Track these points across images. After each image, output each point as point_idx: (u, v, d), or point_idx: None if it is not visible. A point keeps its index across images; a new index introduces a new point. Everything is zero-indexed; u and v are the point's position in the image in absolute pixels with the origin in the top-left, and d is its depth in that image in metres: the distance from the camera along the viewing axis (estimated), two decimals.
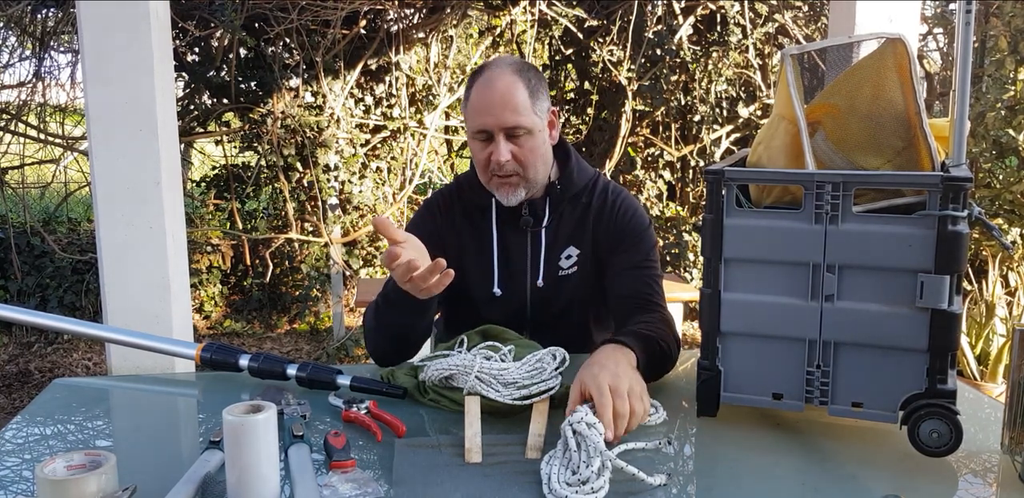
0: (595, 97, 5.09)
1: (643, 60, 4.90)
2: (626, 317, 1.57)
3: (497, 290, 1.64)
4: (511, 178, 1.56)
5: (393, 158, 5.03)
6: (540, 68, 5.00)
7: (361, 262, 4.98)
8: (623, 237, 1.63)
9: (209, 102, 4.85)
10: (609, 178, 1.75)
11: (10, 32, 5.04)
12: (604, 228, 1.64)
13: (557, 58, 5.25)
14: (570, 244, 1.65)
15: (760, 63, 4.91)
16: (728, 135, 5.09)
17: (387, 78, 4.91)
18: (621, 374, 1.23)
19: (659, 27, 4.84)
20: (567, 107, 5.43)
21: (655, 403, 1.32)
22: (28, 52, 5.11)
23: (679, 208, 5.17)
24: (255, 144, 4.77)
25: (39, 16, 4.91)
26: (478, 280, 1.65)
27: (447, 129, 5.24)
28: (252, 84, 4.77)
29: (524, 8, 4.82)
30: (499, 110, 1.51)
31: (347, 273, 4.98)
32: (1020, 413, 1.13)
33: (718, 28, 4.94)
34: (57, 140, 5.08)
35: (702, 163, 5.14)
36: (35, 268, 4.81)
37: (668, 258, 5.00)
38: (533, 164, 1.57)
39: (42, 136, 5.07)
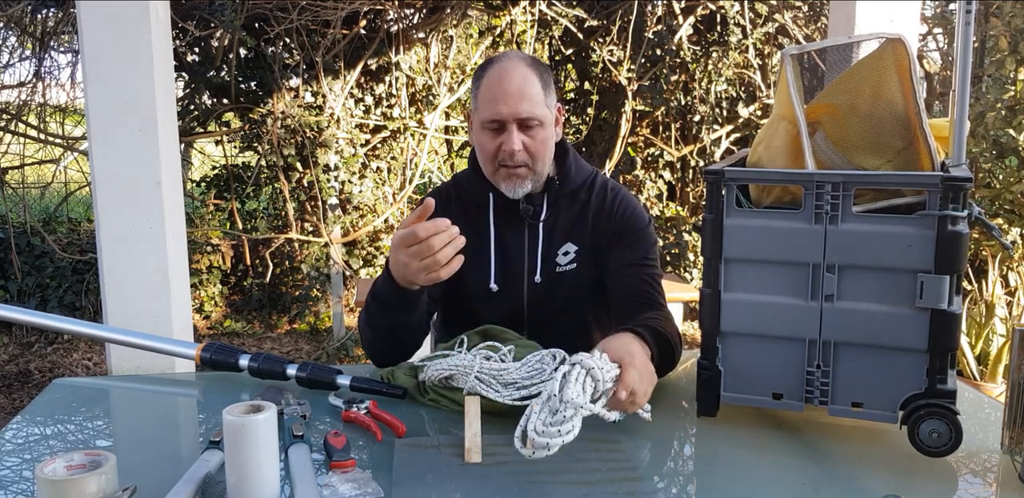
0: (595, 97, 5.09)
1: (643, 60, 4.90)
2: (630, 315, 1.56)
3: (494, 286, 1.63)
4: (519, 169, 1.56)
5: (393, 158, 5.03)
6: None
7: (361, 262, 4.98)
8: (622, 234, 1.63)
9: (209, 102, 4.85)
10: (608, 176, 1.75)
11: (10, 32, 5.05)
12: (603, 225, 1.64)
13: (557, 58, 5.25)
14: (568, 240, 1.64)
15: (760, 63, 4.91)
16: (728, 135, 5.09)
17: (387, 78, 4.91)
18: (647, 360, 1.24)
19: (659, 27, 4.84)
20: (567, 107, 5.43)
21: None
22: (28, 52, 5.11)
23: (679, 208, 5.18)
24: (255, 144, 4.77)
25: (39, 16, 4.91)
26: (474, 276, 1.64)
27: (447, 129, 5.24)
28: (252, 84, 4.77)
29: (524, 8, 4.82)
30: (514, 100, 1.52)
31: (347, 273, 4.99)
32: (1020, 413, 1.14)
33: (718, 28, 4.94)
34: (57, 140, 5.08)
35: (702, 163, 5.14)
36: (35, 268, 4.81)
37: (668, 258, 5.00)
38: (543, 156, 1.57)
39: (42, 136, 5.07)
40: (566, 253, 1.64)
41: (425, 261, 1.30)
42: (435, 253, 1.29)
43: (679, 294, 3.41)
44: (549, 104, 1.57)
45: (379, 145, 4.99)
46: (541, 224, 1.64)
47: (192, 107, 4.75)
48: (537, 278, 1.63)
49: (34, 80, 4.94)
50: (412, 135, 4.96)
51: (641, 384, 1.16)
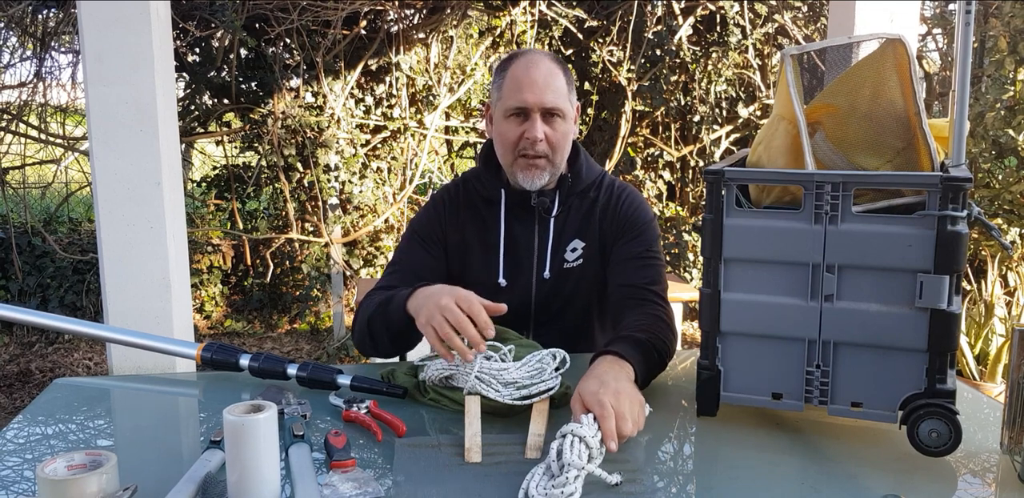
0: (595, 97, 5.09)
1: (643, 60, 4.90)
2: (622, 310, 1.57)
3: (502, 280, 1.64)
4: (539, 160, 1.57)
5: (393, 158, 5.04)
6: None
7: (361, 262, 4.99)
8: (626, 228, 1.65)
9: (210, 102, 4.85)
10: (615, 177, 1.76)
11: (11, 32, 5.05)
12: (608, 221, 1.66)
13: None
14: (576, 237, 1.66)
15: (760, 63, 4.91)
16: (728, 135, 5.09)
17: (387, 78, 4.91)
18: (621, 391, 1.19)
19: (659, 27, 4.84)
20: None
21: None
22: (29, 52, 5.11)
23: (679, 208, 5.18)
24: (256, 144, 4.77)
25: (40, 16, 4.92)
26: (483, 271, 1.66)
27: (447, 129, 5.24)
28: (253, 84, 4.77)
29: (524, 8, 4.83)
30: (541, 90, 1.54)
31: (347, 273, 4.99)
32: (1019, 413, 1.14)
33: (718, 28, 4.94)
34: (58, 140, 5.08)
35: (702, 163, 5.14)
36: (36, 268, 4.81)
37: (668, 258, 5.00)
38: (562, 149, 1.59)
39: (43, 136, 5.07)
40: (574, 250, 1.65)
41: (454, 326, 1.28)
42: (459, 332, 1.28)
43: (679, 294, 3.41)
44: (571, 100, 1.60)
45: (379, 145, 5.00)
46: (552, 220, 1.65)
47: (193, 107, 4.76)
48: (546, 274, 1.64)
49: (35, 80, 4.94)
50: (412, 135, 4.97)
51: (625, 423, 1.14)
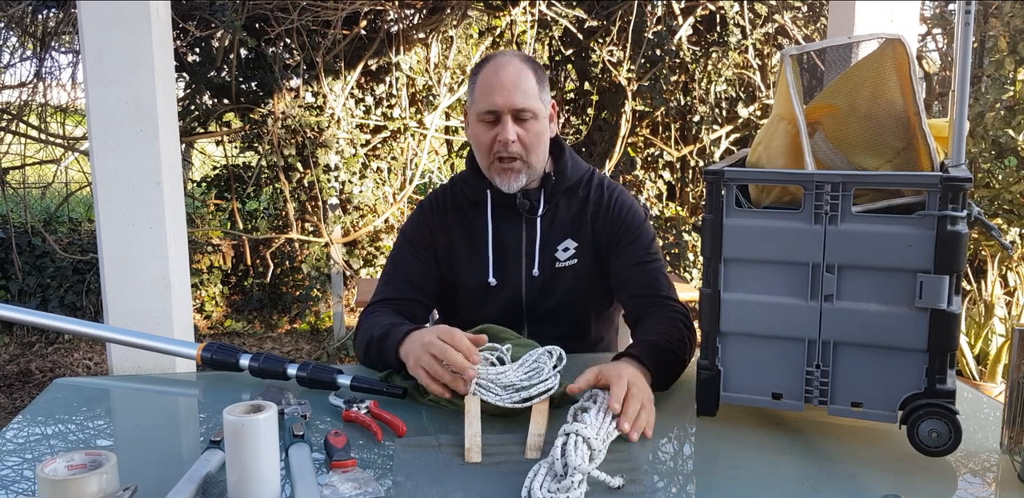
0: (595, 97, 5.09)
1: (643, 60, 4.90)
2: (640, 317, 1.60)
3: (492, 279, 1.65)
4: (514, 162, 1.58)
5: (393, 158, 5.04)
6: None
7: (361, 262, 4.99)
8: (622, 233, 1.65)
9: (210, 102, 4.85)
10: (605, 175, 1.77)
11: (11, 32, 5.05)
12: (602, 223, 1.67)
13: (557, 58, 5.25)
14: (568, 237, 1.66)
15: (760, 63, 4.91)
16: (728, 135, 5.09)
17: (387, 78, 4.91)
18: (640, 378, 1.28)
19: (659, 27, 4.84)
20: (567, 107, 5.44)
21: None
22: (29, 52, 5.11)
23: (679, 208, 5.18)
24: (256, 144, 4.77)
25: (40, 16, 4.92)
26: (473, 271, 1.67)
27: (447, 129, 5.24)
28: (253, 84, 4.77)
29: (524, 8, 4.83)
30: (509, 92, 1.54)
31: (347, 273, 4.99)
32: (1019, 413, 1.14)
33: (718, 28, 4.94)
34: (58, 140, 5.08)
35: (702, 163, 5.14)
36: (36, 268, 4.81)
37: (668, 258, 5.00)
38: (536, 149, 1.59)
39: (43, 136, 5.07)
40: (566, 249, 1.66)
41: (443, 363, 1.29)
42: (448, 370, 1.29)
43: (679, 294, 3.40)
44: (543, 99, 1.60)
45: (379, 145, 5.00)
46: (539, 219, 1.65)
47: (193, 107, 4.76)
48: (535, 271, 1.65)
49: (35, 80, 4.94)
50: (412, 135, 4.97)
51: (639, 392, 1.22)
